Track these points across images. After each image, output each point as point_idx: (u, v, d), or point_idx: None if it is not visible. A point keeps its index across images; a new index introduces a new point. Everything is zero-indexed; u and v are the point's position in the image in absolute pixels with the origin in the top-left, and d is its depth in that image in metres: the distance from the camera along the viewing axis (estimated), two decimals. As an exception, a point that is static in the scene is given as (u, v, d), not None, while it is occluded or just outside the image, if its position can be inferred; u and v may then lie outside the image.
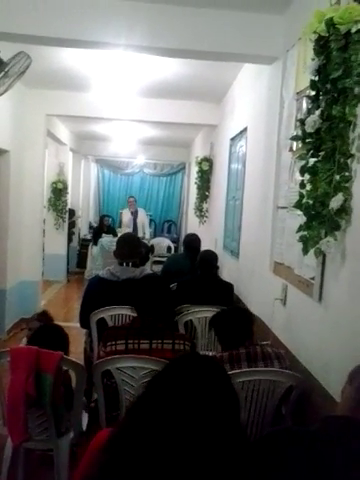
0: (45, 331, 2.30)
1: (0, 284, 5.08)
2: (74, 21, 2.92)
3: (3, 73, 3.39)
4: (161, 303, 2.43)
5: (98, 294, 3.04)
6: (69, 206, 8.82)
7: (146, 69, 4.32)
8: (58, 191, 7.91)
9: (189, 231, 8.30)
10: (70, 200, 8.87)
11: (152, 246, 8.88)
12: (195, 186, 6.42)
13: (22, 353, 2.01)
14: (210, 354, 3.11)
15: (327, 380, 1.93)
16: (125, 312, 2.88)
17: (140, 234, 8.77)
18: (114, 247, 3.39)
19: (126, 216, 9.34)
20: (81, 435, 2.24)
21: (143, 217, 9.35)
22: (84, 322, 3.05)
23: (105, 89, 5.03)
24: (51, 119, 6.23)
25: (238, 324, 2.20)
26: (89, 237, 9.97)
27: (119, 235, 4.85)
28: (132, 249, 3.20)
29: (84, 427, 2.32)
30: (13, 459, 2.17)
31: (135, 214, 9.18)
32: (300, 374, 2.06)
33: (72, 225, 9.46)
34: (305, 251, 1.93)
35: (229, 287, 3.72)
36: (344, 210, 1.79)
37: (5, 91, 3.53)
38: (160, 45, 3.04)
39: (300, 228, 1.94)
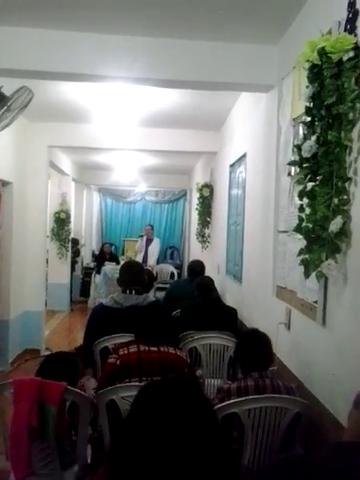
0: (53, 360, 2.28)
1: (3, 315, 5.06)
2: (75, 56, 3.01)
3: (5, 108, 3.48)
4: (164, 331, 2.44)
5: (102, 322, 3.02)
6: (72, 235, 8.88)
7: (146, 99, 4.42)
8: (61, 221, 7.97)
9: (192, 257, 8.31)
10: (73, 229, 8.95)
11: (156, 273, 8.90)
12: (196, 212, 6.46)
13: (25, 384, 1.99)
14: (218, 382, 3.09)
15: (334, 405, 1.90)
16: (129, 340, 2.86)
17: (150, 262, 8.80)
18: (117, 275, 3.39)
19: (139, 243, 9.44)
20: (86, 468, 2.19)
21: (154, 247, 9.43)
22: (88, 350, 3.02)
23: (106, 120, 5.13)
24: (53, 150, 6.34)
25: (262, 348, 2.20)
26: (92, 265, 9.97)
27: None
28: (135, 276, 3.20)
29: (89, 459, 2.27)
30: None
31: (149, 242, 9.26)
32: (307, 400, 2.03)
33: (76, 254, 9.49)
34: (307, 274, 1.93)
35: (233, 312, 3.71)
36: (344, 233, 1.81)
37: (8, 125, 3.61)
38: (159, 77, 3.12)
39: (301, 252, 1.94)
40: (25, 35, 2.94)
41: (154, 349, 2.31)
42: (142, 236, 9.50)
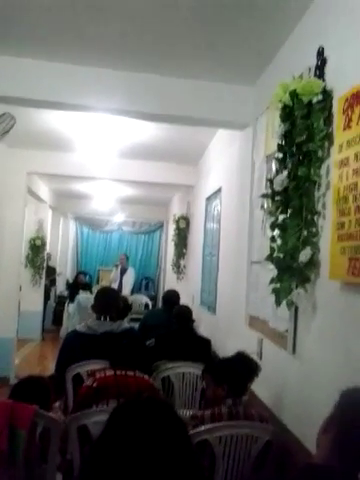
0: (25, 384, 2.25)
1: (-27, 341, 4.96)
2: (57, 85, 3.11)
3: (-13, 133, 3.54)
4: (137, 359, 2.46)
5: (75, 348, 3.00)
6: (49, 263, 8.81)
7: (125, 131, 4.54)
8: (36, 248, 7.92)
9: (167, 288, 8.32)
10: (52, 258, 8.87)
11: (130, 304, 8.83)
12: (173, 243, 6.54)
13: (-5, 408, 1.97)
14: (190, 413, 3.08)
15: (303, 432, 1.94)
16: (101, 366, 2.85)
17: (124, 292, 8.78)
18: (91, 304, 3.39)
19: (113, 272, 9.42)
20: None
21: (129, 276, 9.43)
22: (60, 377, 2.99)
23: (86, 149, 5.23)
24: (31, 177, 6.36)
25: (246, 372, 2.19)
26: (65, 294, 9.85)
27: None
28: (110, 302, 3.21)
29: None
30: None
31: (123, 272, 9.26)
32: (277, 427, 2.06)
33: (52, 283, 9.37)
34: (278, 303, 2.00)
35: (206, 343, 3.73)
36: (313, 263, 1.90)
37: (-12, 150, 3.67)
38: (138, 109, 3.24)
39: (272, 280, 2.02)
40: (8, 63, 3.03)
41: (130, 373, 2.37)
42: (117, 265, 9.51)
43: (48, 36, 2.77)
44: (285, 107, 2.00)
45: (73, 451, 2.07)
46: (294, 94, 1.95)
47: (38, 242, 7.94)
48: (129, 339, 2.80)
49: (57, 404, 2.53)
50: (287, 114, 1.99)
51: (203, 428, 1.98)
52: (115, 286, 8.94)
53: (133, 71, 3.12)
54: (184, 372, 3.15)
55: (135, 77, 3.14)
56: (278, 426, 2.11)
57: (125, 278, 9.24)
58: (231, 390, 2.12)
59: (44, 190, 7.96)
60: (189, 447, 1.19)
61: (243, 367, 2.19)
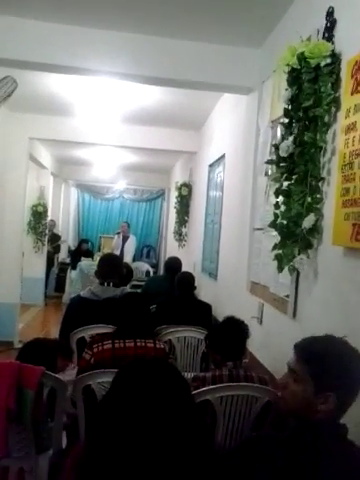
0: (32, 347, 2.31)
1: (-23, 306, 5.04)
2: (60, 47, 3.03)
3: (-12, 96, 3.49)
4: (141, 321, 2.48)
5: (79, 313, 3.06)
6: (54, 231, 8.83)
7: (129, 96, 4.46)
8: (38, 214, 7.91)
9: (168, 256, 8.37)
10: (56, 225, 8.88)
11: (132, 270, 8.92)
12: (175, 211, 6.53)
13: (4, 368, 2.01)
14: (191, 375, 3.16)
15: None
16: (105, 331, 2.90)
17: (126, 259, 8.85)
18: (93, 271, 3.42)
19: (115, 240, 9.45)
20: (60, 453, 2.23)
21: (131, 244, 9.48)
22: (63, 341, 3.05)
23: (88, 114, 5.15)
24: (33, 143, 6.30)
25: (239, 336, 2.23)
26: (68, 261, 9.93)
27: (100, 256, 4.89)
28: (113, 269, 3.24)
29: (64, 445, 2.31)
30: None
31: (125, 239, 9.30)
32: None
33: (56, 250, 9.42)
34: (280, 269, 2.03)
35: (207, 308, 3.79)
36: (316, 229, 1.91)
37: (-10, 114, 3.62)
38: (142, 73, 3.18)
39: (275, 247, 2.04)
40: (10, 24, 2.95)
41: (130, 344, 2.30)
42: (119, 233, 9.53)
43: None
44: (292, 70, 1.96)
45: (78, 411, 2.13)
46: (302, 57, 1.90)
47: (40, 209, 7.93)
48: (132, 301, 2.83)
49: (72, 366, 2.59)
50: (294, 78, 1.96)
51: (205, 388, 2.04)
52: (117, 254, 9.01)
53: (137, 33, 3.04)
54: (185, 336, 3.21)
55: (139, 39, 3.07)
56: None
57: (127, 246, 9.30)
58: (227, 356, 2.17)
59: (46, 156, 7.89)
60: (192, 405, 1.23)
61: (233, 332, 2.23)
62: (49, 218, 8.61)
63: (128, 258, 9.19)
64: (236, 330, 2.25)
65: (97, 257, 8.68)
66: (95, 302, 3.06)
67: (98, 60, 3.08)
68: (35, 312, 7.81)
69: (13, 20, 2.94)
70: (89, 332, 2.96)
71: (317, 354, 1.34)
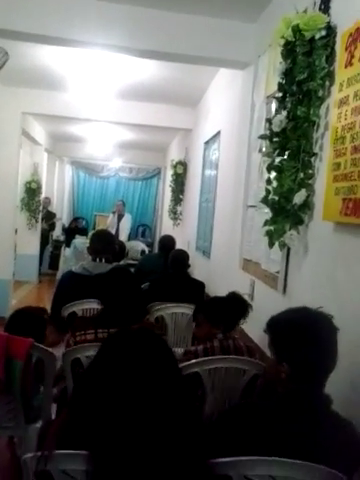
0: (21, 315, 2.32)
1: (-30, 281, 5.04)
2: (52, 18, 2.96)
3: (-21, 68, 3.41)
4: (128, 296, 2.46)
5: (70, 288, 3.06)
6: (49, 208, 8.78)
7: (123, 71, 4.39)
8: (32, 191, 7.85)
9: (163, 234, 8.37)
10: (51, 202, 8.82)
11: (127, 250, 8.94)
12: (170, 189, 6.51)
13: (-8, 339, 2.03)
14: (182, 350, 3.20)
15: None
16: (96, 306, 2.91)
17: (121, 238, 8.83)
18: (87, 246, 3.41)
19: (110, 218, 9.41)
20: (49, 424, 2.26)
21: (126, 222, 9.45)
22: (56, 315, 3.07)
23: (82, 89, 5.07)
24: (27, 118, 6.22)
25: (239, 311, 2.28)
26: (62, 239, 9.91)
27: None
28: (105, 245, 3.24)
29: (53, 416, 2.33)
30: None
31: (120, 218, 9.26)
32: (265, 362, 2.14)
33: (51, 227, 9.39)
34: (270, 244, 2.03)
35: (200, 285, 3.80)
36: (307, 205, 1.91)
37: (-19, 86, 3.55)
38: (136, 46, 3.12)
39: (266, 222, 2.04)
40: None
41: (114, 330, 2.27)
42: (114, 212, 9.49)
43: None
44: (287, 43, 1.93)
45: (67, 383, 2.15)
46: (297, 29, 1.87)
47: (33, 185, 7.86)
48: (119, 276, 2.81)
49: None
50: (289, 51, 1.93)
51: (194, 361, 2.06)
52: (112, 232, 8.99)
53: (133, 5, 2.98)
54: (177, 312, 3.23)
55: (135, 12, 3.00)
56: (266, 361, 2.19)
57: (122, 224, 9.27)
58: (225, 328, 2.21)
59: (40, 132, 7.79)
60: (176, 373, 1.24)
61: (237, 307, 2.27)
62: (43, 195, 8.54)
63: (123, 237, 9.18)
64: (240, 306, 2.30)
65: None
66: (87, 277, 3.06)
67: (92, 32, 3.01)
68: (29, 289, 7.83)
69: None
70: (80, 307, 2.97)
71: (273, 324, 1.39)
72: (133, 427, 1.10)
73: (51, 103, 5.44)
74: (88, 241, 4.30)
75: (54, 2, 2.94)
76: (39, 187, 8.02)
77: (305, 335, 1.29)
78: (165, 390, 1.16)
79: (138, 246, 9.94)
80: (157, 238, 10.27)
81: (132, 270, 4.63)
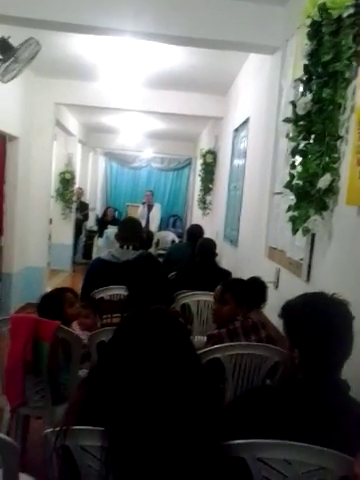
0: (49, 299, 2.39)
1: (7, 268, 5.19)
2: (82, 6, 3.00)
3: (13, 58, 3.49)
4: (153, 281, 2.48)
5: (98, 275, 3.12)
6: (82, 199, 8.95)
7: (153, 58, 4.39)
8: (66, 181, 8.00)
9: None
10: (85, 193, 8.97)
11: (158, 240, 9.04)
12: (199, 179, 6.49)
13: (21, 321, 2.10)
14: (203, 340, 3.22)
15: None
16: (123, 292, 2.95)
17: (152, 228, 8.91)
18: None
19: (140, 209, 9.50)
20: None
21: (156, 212, 9.51)
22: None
23: (112, 78, 5.11)
24: (61, 109, 6.32)
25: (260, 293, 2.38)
26: (95, 229, 10.07)
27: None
28: (133, 233, 3.27)
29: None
30: (11, 424, 2.26)
31: (150, 208, 9.34)
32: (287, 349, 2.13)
33: (85, 218, 9.56)
34: (294, 231, 2.00)
35: (227, 274, 3.78)
36: (331, 190, 1.86)
37: (14, 77, 3.62)
38: (165, 32, 3.11)
39: (289, 208, 2.00)
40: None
41: None
42: (144, 203, 9.55)
43: None
44: (313, 23, 1.88)
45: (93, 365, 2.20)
46: (323, 8, 1.82)
47: (68, 176, 8.00)
48: (144, 263, 2.84)
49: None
50: (315, 31, 1.88)
51: (216, 346, 2.07)
52: (143, 223, 9.07)
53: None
54: (203, 300, 3.23)
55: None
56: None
57: (152, 214, 9.34)
58: (247, 309, 2.28)
59: (73, 123, 7.91)
60: (193, 353, 1.25)
61: (259, 290, 2.37)
62: (77, 186, 8.69)
63: (154, 227, 9.24)
64: (261, 291, 2.41)
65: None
66: (114, 264, 3.11)
67: (123, 19, 3.02)
68: (63, 277, 8.00)
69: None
70: (108, 293, 3.03)
71: (286, 309, 1.38)
72: (148, 405, 1.12)
73: (82, 93, 5.51)
74: (118, 230, 4.39)
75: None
76: (73, 177, 8.16)
77: (316, 321, 1.26)
78: (180, 369, 1.17)
79: (168, 236, 10.00)
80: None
81: (161, 260, 4.70)
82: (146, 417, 1.11)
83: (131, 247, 3.22)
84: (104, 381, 1.20)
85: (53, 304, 2.31)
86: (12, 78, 3.57)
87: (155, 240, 8.91)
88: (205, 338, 3.24)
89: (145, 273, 2.40)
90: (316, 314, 1.28)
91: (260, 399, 1.30)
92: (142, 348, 1.17)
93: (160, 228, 11.12)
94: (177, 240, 9.86)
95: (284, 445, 1.20)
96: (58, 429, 1.20)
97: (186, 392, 1.15)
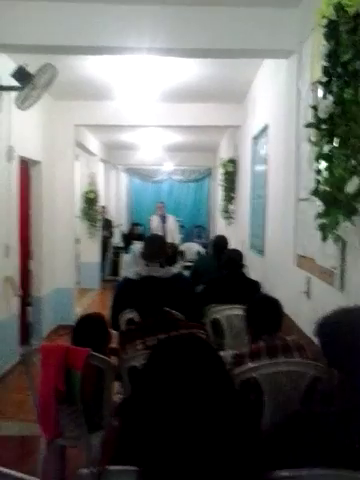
0: (82, 324, 2.36)
1: (36, 292, 5.22)
2: (97, 28, 3.02)
3: (31, 85, 3.53)
4: (186, 303, 2.43)
5: (126, 294, 3.08)
6: (106, 216, 9.00)
7: (167, 73, 4.39)
8: (90, 201, 8.08)
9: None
10: (108, 210, 9.00)
11: (182, 251, 8.97)
12: (221, 188, 6.42)
13: (52, 350, 2.07)
14: (232, 352, 3.13)
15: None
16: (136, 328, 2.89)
17: (169, 240, 8.83)
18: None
19: (155, 222, 9.41)
20: (109, 434, 2.26)
21: (172, 223, 9.41)
22: (115, 323, 3.10)
23: (129, 96, 5.14)
24: (81, 130, 6.39)
25: (272, 312, 2.18)
26: (121, 245, 10.11)
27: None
28: (158, 249, 3.23)
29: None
30: (47, 456, 2.22)
31: (164, 219, 9.24)
32: (325, 363, 2.02)
33: (111, 235, 9.61)
34: (324, 238, 1.91)
35: (256, 285, 3.69)
36: (361, 194, 1.77)
37: (33, 103, 3.67)
38: (181, 46, 3.11)
39: (318, 215, 1.92)
40: (45, 9, 2.97)
41: (163, 336, 2.16)
42: (158, 215, 9.38)
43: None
44: (330, 23, 1.80)
45: (125, 391, 2.15)
46: (339, 6, 1.75)
47: (91, 195, 8.08)
48: (178, 283, 2.81)
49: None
50: (332, 31, 1.80)
51: (250, 366, 1.98)
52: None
53: (170, 4, 2.96)
54: (234, 314, 3.15)
55: (173, 12, 2.99)
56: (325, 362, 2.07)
57: (168, 226, 9.24)
58: (260, 330, 2.12)
59: (94, 143, 8.00)
60: (228, 382, 1.18)
61: (263, 309, 2.18)
62: (101, 204, 8.76)
63: (173, 238, 9.13)
64: (269, 305, 2.20)
65: (148, 240, 8.74)
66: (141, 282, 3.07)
67: (136, 38, 3.02)
68: (93, 296, 8.04)
69: (47, 5, 2.95)
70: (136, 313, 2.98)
71: (322, 326, 1.28)
72: (184, 440, 1.06)
73: (101, 113, 5.56)
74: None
75: (96, 14, 2.98)
76: (97, 196, 8.22)
77: (355, 339, 1.18)
78: (216, 400, 1.11)
79: (193, 248, 9.91)
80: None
81: (188, 272, 4.63)
82: (183, 454, 1.05)
83: (157, 264, 3.18)
84: (138, 416, 1.15)
85: (95, 326, 2.28)
86: (31, 105, 3.62)
87: (180, 251, 8.86)
88: (230, 351, 3.18)
89: (150, 294, 2.36)
90: (354, 332, 1.19)
91: (302, 427, 1.22)
92: (175, 379, 1.11)
93: (184, 239, 11.07)
94: (202, 251, 9.77)
95: (332, 475, 1.12)
96: (93, 471, 1.16)
97: (224, 424, 1.09)
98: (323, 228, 1.90)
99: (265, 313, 2.15)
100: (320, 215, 1.91)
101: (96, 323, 2.38)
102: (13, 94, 3.65)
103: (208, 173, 11.51)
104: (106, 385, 2.22)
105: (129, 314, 2.98)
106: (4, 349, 3.96)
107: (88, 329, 2.31)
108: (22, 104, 3.57)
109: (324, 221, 1.90)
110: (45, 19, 2.98)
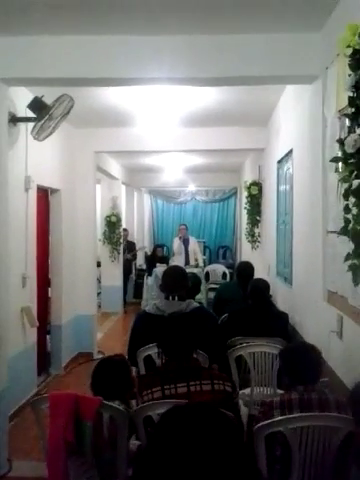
0: (104, 364, 2.25)
1: (56, 320, 5.16)
2: (115, 60, 2.98)
3: (47, 116, 3.51)
4: (208, 338, 2.30)
5: (144, 330, 2.96)
6: (129, 239, 8.97)
7: (188, 99, 4.33)
8: (112, 224, 8.06)
9: (244, 256, 8.11)
10: (130, 233, 8.98)
11: (208, 273, 8.81)
12: (245, 212, 6.29)
13: (61, 399, 1.95)
14: (265, 391, 2.95)
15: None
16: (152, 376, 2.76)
17: (192, 262, 8.70)
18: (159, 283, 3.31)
19: (176, 244, 9.29)
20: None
21: (194, 245, 9.26)
22: (132, 359, 2.98)
23: (149, 122, 5.10)
24: (101, 155, 6.39)
25: (309, 361, 2.01)
26: (144, 267, 10.04)
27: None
28: (177, 282, 3.10)
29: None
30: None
31: (186, 242, 9.10)
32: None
33: (134, 257, 9.57)
34: (355, 282, 1.75)
35: (284, 317, 3.52)
36: (395, 234, 1.62)
37: (50, 134, 3.65)
38: (202, 75, 3.03)
39: (348, 256, 1.77)
40: (63, 43, 2.95)
41: (182, 390, 2.01)
42: (180, 237, 9.26)
43: (99, 7, 2.58)
44: (354, 52, 1.69)
45: (141, 441, 2.02)
46: (365, 34, 1.63)
47: (113, 219, 8.07)
48: (200, 318, 2.67)
49: None
50: (357, 60, 1.68)
51: (277, 419, 1.83)
52: (182, 258, 8.78)
53: (188, 34, 2.90)
54: (259, 351, 2.99)
55: (195, 40, 2.93)
56: None
57: (190, 249, 9.09)
58: (297, 379, 1.94)
59: (115, 167, 8.01)
60: (243, 452, 1.05)
61: (300, 358, 2.00)
62: (123, 227, 8.73)
63: (198, 260, 8.99)
64: (307, 354, 2.02)
65: (172, 263, 8.64)
66: (160, 317, 2.94)
67: (158, 68, 2.97)
68: (114, 320, 7.95)
69: (65, 39, 2.93)
70: (155, 350, 2.85)
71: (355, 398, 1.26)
72: None
73: (121, 139, 5.55)
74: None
75: (113, 45, 2.95)
76: (119, 220, 8.20)
77: None
78: (228, 467, 0.98)
79: (219, 269, 9.76)
80: (238, 259, 10.01)
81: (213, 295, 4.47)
82: None
83: (177, 297, 3.05)
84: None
85: (117, 371, 2.19)
86: (47, 136, 3.59)
87: (205, 272, 8.71)
88: (263, 389, 3.00)
89: (204, 329, 2.21)
90: None
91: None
92: (185, 455, 0.99)
93: (210, 261, 10.91)
94: (228, 272, 9.60)
95: None
96: None
97: None
98: (354, 269, 1.75)
99: (303, 363, 1.98)
100: (350, 256, 1.77)
101: (118, 367, 2.26)
102: (30, 124, 3.63)
103: (233, 192, 11.37)
104: (119, 435, 2.09)
105: (148, 351, 2.87)
106: (21, 381, 3.87)
107: (109, 374, 2.20)
108: (38, 135, 3.54)
109: (355, 262, 1.75)
110: (64, 52, 2.96)
